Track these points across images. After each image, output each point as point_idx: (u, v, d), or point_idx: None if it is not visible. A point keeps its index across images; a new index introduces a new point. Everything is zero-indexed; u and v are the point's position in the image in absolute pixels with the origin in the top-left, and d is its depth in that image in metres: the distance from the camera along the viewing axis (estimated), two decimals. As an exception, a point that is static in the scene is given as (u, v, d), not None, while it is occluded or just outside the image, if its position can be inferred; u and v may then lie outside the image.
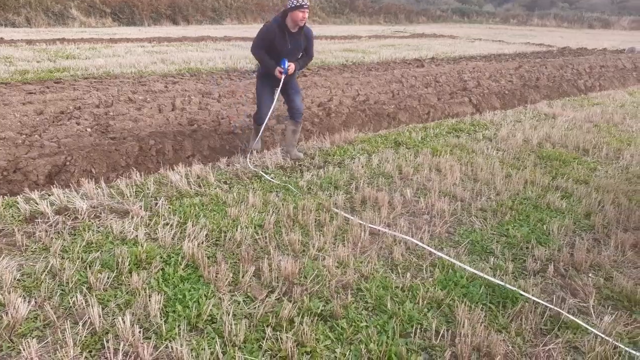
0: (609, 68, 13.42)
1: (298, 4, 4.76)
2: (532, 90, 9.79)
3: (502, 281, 3.19)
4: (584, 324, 2.81)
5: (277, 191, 4.55)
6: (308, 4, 4.85)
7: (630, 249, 3.74)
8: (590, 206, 4.42)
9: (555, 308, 2.95)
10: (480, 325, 2.75)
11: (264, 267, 3.19)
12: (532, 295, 3.05)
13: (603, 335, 2.70)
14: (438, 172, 5.22)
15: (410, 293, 3.08)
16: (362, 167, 5.29)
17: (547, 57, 16.07)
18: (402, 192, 4.63)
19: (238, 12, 33.34)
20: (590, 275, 3.39)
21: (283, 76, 5.00)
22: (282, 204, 4.19)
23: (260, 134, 5.48)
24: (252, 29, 27.46)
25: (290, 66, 5.02)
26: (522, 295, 3.04)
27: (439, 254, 3.51)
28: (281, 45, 4.94)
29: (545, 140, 6.46)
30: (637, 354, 2.59)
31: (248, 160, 5.24)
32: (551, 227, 3.96)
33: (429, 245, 3.66)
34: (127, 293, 2.91)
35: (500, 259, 3.53)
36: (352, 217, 4.03)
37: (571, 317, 2.88)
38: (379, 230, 3.87)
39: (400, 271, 3.32)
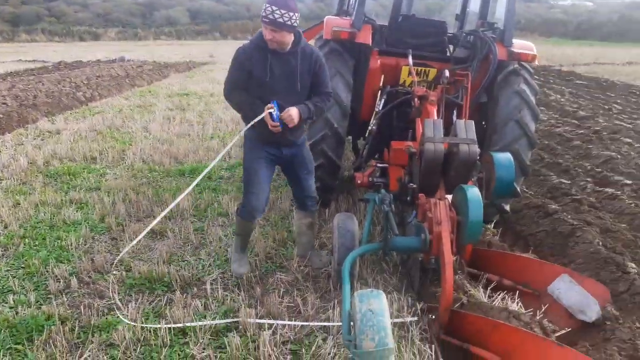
0: (105, 77, 14.24)
1: (264, 15, 2.99)
2: (31, 109, 9.31)
3: (24, 316, 2.97)
4: (113, 320, 2.97)
5: None
6: (286, 20, 2.97)
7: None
8: (104, 209, 4.64)
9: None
10: (5, 373, 2.49)
11: None
12: (58, 315, 2.98)
13: (128, 321, 2.92)
14: None
15: None
16: None
17: (42, 73, 15.57)
18: None
19: None
20: (114, 272, 3.59)
21: (279, 126, 3.13)
22: None
23: (246, 246, 3.69)
24: None
25: (289, 112, 3.11)
26: (47, 321, 2.92)
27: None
28: (260, 72, 3.13)
29: (52, 158, 6.30)
30: (159, 325, 2.93)
31: None
32: (69, 242, 3.94)
33: None
34: None
35: (21, 293, 3.27)
36: None
37: (99, 319, 2.98)
38: None
39: None
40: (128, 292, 3.36)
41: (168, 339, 2.84)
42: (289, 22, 2.99)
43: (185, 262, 3.75)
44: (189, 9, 51.88)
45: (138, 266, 3.61)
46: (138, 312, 3.06)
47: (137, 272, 3.54)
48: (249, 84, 3.21)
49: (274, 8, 2.96)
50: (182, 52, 25.78)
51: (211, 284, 3.43)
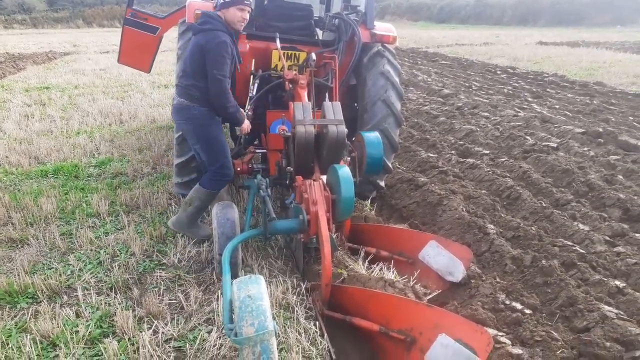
0: (-55, 72, 12.48)
1: None
2: None
3: None
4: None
5: None
6: None
7: None
8: (-51, 221, 4.09)
9: None
10: None
11: None
12: None
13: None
14: None
15: None
16: None
17: None
18: None
19: None
20: (-35, 290, 3.19)
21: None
22: None
23: None
24: None
25: None
26: None
27: None
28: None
29: None
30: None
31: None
32: None
33: None
34: None
35: None
36: None
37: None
38: None
39: None
40: (-16, 309, 3.01)
41: (35, 354, 2.59)
42: None
43: (52, 269, 3.45)
44: (45, -6, 47.03)
45: (-8, 279, 3.24)
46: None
47: (-6, 286, 3.18)
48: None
49: None
50: (41, 41, 23.33)
51: (83, 289, 3.19)
